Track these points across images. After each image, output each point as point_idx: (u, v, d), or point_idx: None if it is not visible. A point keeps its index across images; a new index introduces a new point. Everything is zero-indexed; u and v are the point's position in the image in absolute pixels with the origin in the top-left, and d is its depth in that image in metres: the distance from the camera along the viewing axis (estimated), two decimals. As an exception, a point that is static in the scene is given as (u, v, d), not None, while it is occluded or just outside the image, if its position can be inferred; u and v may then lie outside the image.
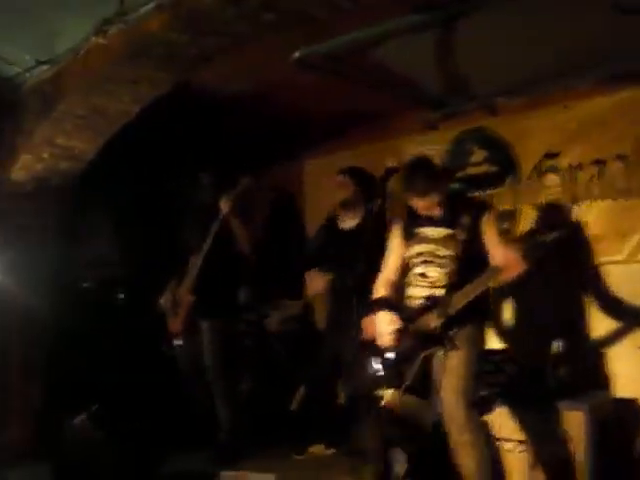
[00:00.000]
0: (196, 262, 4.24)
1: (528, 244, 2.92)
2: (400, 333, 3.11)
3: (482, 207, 3.21)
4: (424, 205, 3.13)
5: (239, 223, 4.21)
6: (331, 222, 4.32)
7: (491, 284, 2.92)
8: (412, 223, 3.26)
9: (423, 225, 3.20)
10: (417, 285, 3.17)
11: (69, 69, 3.67)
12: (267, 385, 4.86)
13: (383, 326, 3.16)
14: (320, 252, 4.39)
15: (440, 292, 3.06)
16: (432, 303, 3.06)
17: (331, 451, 4.21)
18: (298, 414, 4.44)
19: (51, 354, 4.51)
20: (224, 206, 4.14)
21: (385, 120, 4.90)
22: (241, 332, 4.82)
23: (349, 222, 4.16)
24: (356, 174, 4.16)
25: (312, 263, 4.45)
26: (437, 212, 3.18)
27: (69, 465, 3.50)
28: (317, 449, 4.25)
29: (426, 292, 3.11)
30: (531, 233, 3.76)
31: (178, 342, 4.31)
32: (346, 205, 4.14)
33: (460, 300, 2.96)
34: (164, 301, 4.41)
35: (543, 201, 4.23)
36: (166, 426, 4.07)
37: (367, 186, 4.12)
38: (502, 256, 2.92)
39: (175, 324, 4.31)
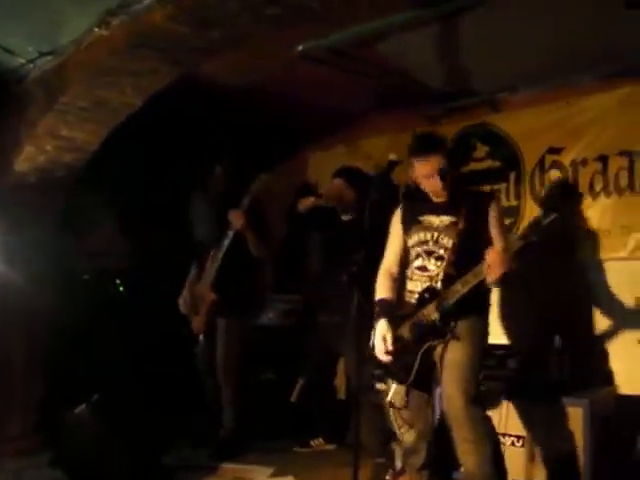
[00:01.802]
0: (216, 258, 4.16)
1: (526, 230, 2.89)
2: (395, 352, 3.09)
3: (487, 197, 3.20)
4: (426, 171, 3.07)
5: (253, 235, 4.14)
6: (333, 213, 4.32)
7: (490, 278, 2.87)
8: (416, 210, 3.24)
9: (427, 213, 3.17)
10: (417, 279, 3.15)
11: (72, 60, 3.66)
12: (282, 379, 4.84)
13: (380, 343, 3.11)
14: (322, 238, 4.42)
15: (439, 284, 3.05)
16: (431, 295, 3.04)
17: (332, 446, 4.23)
18: (298, 406, 4.45)
19: (52, 346, 4.52)
20: (236, 221, 4.06)
21: (389, 114, 4.91)
22: (257, 328, 4.78)
23: (347, 216, 4.20)
24: (350, 175, 4.18)
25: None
26: (441, 199, 3.16)
27: (70, 455, 3.50)
28: (318, 443, 4.26)
29: (425, 285, 3.09)
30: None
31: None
32: (343, 205, 4.16)
33: (459, 289, 2.94)
34: (183, 301, 4.34)
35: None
36: (169, 418, 4.08)
37: (362, 185, 4.07)
38: (489, 255, 2.86)
39: (198, 322, 4.25)
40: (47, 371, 4.47)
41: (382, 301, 3.22)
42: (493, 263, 2.81)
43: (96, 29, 3.35)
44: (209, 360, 4.23)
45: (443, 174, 3.05)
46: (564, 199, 4.11)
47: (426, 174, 3.09)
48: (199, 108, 4.71)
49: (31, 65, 3.90)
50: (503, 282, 2.89)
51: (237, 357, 4.23)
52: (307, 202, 4.24)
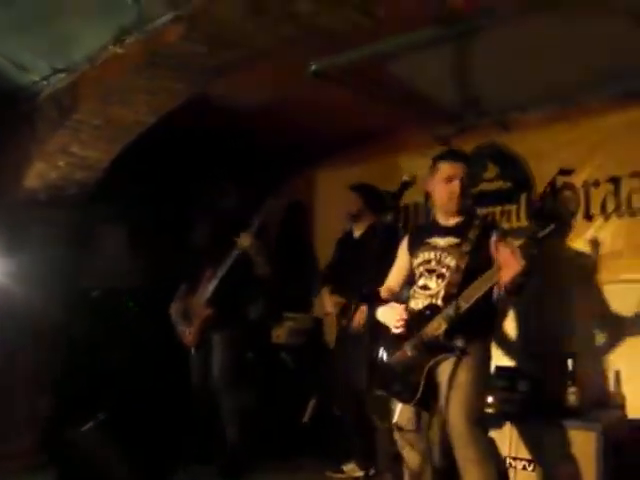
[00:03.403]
0: (215, 275, 4.21)
1: (523, 240, 2.86)
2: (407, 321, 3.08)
3: (490, 226, 3.20)
4: (450, 173, 3.12)
5: (260, 256, 4.18)
6: (346, 235, 4.49)
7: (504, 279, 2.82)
8: (424, 233, 3.27)
9: (435, 235, 3.19)
10: (418, 297, 3.14)
11: (85, 78, 3.67)
12: (276, 397, 4.84)
13: (389, 316, 3.14)
14: (337, 265, 4.48)
15: (439, 302, 3.03)
16: (431, 312, 3.02)
17: (363, 472, 4.13)
18: (309, 427, 4.41)
19: (59, 363, 4.50)
20: (244, 241, 4.11)
21: (398, 134, 4.92)
22: (251, 344, 4.78)
23: (358, 232, 4.37)
24: (364, 190, 4.36)
25: (330, 277, 4.51)
26: (450, 222, 3.18)
27: (76, 473, 3.47)
28: (352, 468, 4.20)
29: (426, 303, 3.08)
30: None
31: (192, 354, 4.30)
32: (354, 218, 4.34)
33: (466, 300, 2.90)
34: (174, 310, 4.38)
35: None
36: (175, 437, 4.05)
37: (375, 201, 4.24)
38: (501, 253, 2.81)
39: (190, 336, 4.28)
40: (54, 388, 4.45)
41: (382, 298, 3.30)
42: (506, 261, 2.75)
43: (110, 47, 3.37)
44: (203, 374, 4.24)
45: (464, 184, 3.11)
46: (562, 212, 4.12)
47: (448, 176, 3.13)
48: (209, 125, 4.73)
49: (44, 82, 3.92)
50: (517, 289, 2.81)
51: (234, 372, 4.22)
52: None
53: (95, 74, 3.59)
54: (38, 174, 4.12)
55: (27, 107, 4.09)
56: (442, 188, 3.17)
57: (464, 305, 2.90)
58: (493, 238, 3.02)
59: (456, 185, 3.12)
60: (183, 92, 3.59)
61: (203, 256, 4.35)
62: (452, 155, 3.23)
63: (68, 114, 3.79)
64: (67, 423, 3.85)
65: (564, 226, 4.03)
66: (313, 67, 3.71)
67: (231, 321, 4.24)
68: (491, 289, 2.93)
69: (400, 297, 3.32)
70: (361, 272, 3.60)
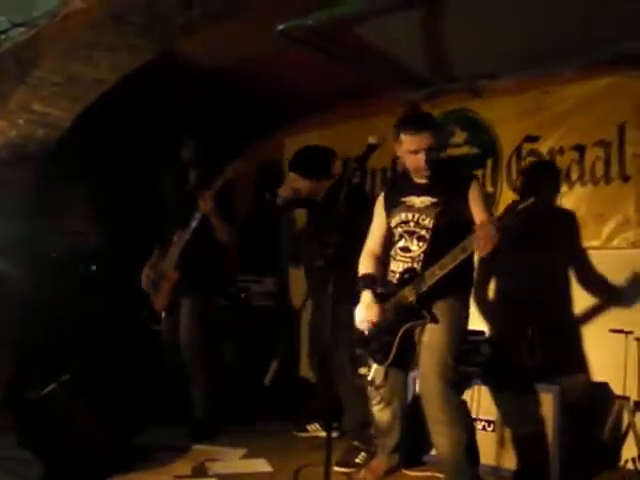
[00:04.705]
0: (181, 239, 4.17)
1: (502, 214, 2.90)
2: (377, 324, 3.12)
3: (467, 178, 3.19)
4: (414, 146, 3.07)
5: (219, 220, 4.11)
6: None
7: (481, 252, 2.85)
8: (399, 192, 3.26)
9: (409, 194, 3.19)
10: (399, 260, 3.17)
11: (46, 33, 3.55)
12: (245, 359, 4.86)
13: (364, 311, 3.16)
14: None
15: (419, 265, 3.06)
16: (410, 276, 3.05)
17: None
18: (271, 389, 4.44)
19: (21, 324, 4.44)
20: (203, 205, 4.03)
21: (367, 98, 4.87)
22: (220, 307, 4.77)
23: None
24: (300, 166, 4.08)
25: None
26: (423, 180, 3.17)
27: (39, 436, 3.44)
28: (315, 428, 4.24)
29: (406, 266, 3.10)
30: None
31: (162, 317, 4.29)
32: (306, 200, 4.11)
33: (436, 273, 2.94)
34: (145, 275, 4.34)
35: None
36: (141, 399, 4.04)
37: (321, 170, 4.01)
38: (479, 228, 2.84)
39: (160, 300, 4.27)
40: (15, 350, 4.40)
41: (365, 275, 3.26)
42: (485, 235, 2.77)
43: (72, 1, 3.26)
44: (173, 338, 4.22)
45: (430, 152, 3.07)
46: (542, 183, 4.13)
47: (414, 149, 3.09)
48: (175, 86, 4.64)
49: (3, 36, 3.78)
50: (493, 257, 2.86)
51: (202, 336, 4.22)
52: (285, 193, 4.21)
53: (56, 29, 3.47)
54: (-1, 132, 4.02)
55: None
56: (408, 159, 3.15)
57: (438, 274, 2.93)
58: (471, 188, 3.06)
59: (421, 157, 3.08)
60: (148, 50, 3.50)
61: (169, 223, 4.30)
62: (415, 126, 3.10)
63: (28, 70, 3.67)
64: (30, 385, 3.81)
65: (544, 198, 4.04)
66: (280, 27, 3.64)
67: (199, 286, 4.21)
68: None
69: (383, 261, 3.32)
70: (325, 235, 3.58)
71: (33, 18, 3.56)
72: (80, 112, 4.02)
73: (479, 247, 2.81)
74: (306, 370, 4.95)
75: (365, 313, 3.15)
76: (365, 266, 3.30)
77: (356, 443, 3.73)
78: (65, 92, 3.84)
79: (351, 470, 3.53)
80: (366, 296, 3.19)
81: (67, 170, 4.49)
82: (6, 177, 4.15)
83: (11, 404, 4.06)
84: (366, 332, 3.15)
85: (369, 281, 3.23)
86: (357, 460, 3.63)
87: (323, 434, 3.94)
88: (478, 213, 3.06)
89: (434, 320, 3.00)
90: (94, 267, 5.07)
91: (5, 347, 4.34)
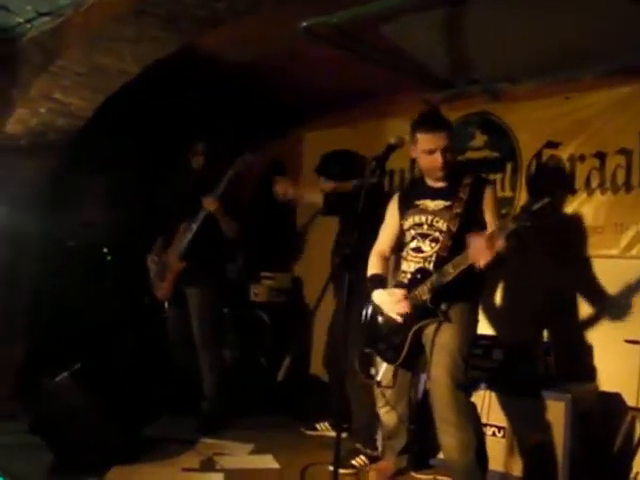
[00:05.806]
0: (189, 229, 4.19)
1: (514, 215, 2.85)
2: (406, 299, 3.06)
3: (483, 182, 3.17)
4: (429, 146, 3.05)
5: (225, 217, 4.15)
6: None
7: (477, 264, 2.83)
8: (413, 195, 3.24)
9: (424, 197, 3.17)
10: (411, 260, 3.15)
11: (70, 23, 3.58)
12: (253, 354, 4.87)
13: (387, 302, 3.10)
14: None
15: (431, 266, 3.03)
16: (422, 276, 3.03)
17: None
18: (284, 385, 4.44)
19: (35, 313, 4.47)
20: (209, 205, 4.08)
21: (388, 97, 4.87)
22: (228, 301, 4.79)
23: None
24: (330, 172, 4.04)
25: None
26: (439, 184, 3.15)
27: (50, 423, 3.47)
28: (325, 427, 4.23)
29: (418, 266, 3.09)
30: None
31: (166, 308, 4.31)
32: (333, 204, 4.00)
33: (451, 272, 2.91)
34: (149, 264, 4.36)
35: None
36: (151, 390, 4.07)
37: (349, 173, 3.96)
38: (472, 241, 2.80)
39: (163, 290, 4.29)
40: (29, 338, 4.43)
41: (374, 276, 3.24)
42: (478, 249, 2.75)
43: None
44: (179, 326, 4.25)
45: (446, 153, 3.04)
46: (557, 187, 4.10)
47: (429, 149, 3.07)
48: (196, 80, 4.64)
49: (28, 25, 3.81)
50: (496, 266, 2.82)
51: (212, 326, 4.24)
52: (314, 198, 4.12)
53: (80, 19, 3.50)
54: (19, 119, 4.03)
55: (8, 49, 3.97)
56: (424, 159, 3.13)
57: (452, 272, 2.91)
58: (486, 193, 3.04)
59: (438, 157, 3.06)
60: (170, 43, 3.50)
61: (179, 210, 4.30)
62: (432, 125, 3.08)
63: (51, 59, 3.70)
64: (43, 373, 3.84)
65: (558, 200, 4.01)
66: (304, 24, 3.63)
67: (205, 277, 4.23)
68: None
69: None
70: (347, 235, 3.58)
71: (58, 7, 3.59)
72: (102, 102, 4.03)
73: (474, 260, 2.80)
74: (317, 367, 4.95)
75: (390, 299, 3.08)
76: (374, 267, 3.28)
77: (358, 445, 3.72)
78: (87, 82, 3.86)
79: (356, 470, 3.52)
80: (381, 292, 3.14)
81: (86, 160, 4.51)
82: (26, 165, 4.18)
83: (23, 392, 4.10)
84: (399, 319, 3.08)
85: (377, 282, 3.21)
86: (353, 462, 3.61)
87: (332, 434, 3.94)
88: (489, 219, 3.04)
89: (447, 319, 2.98)
90: (109, 256, 5.09)
91: (16, 335, 4.37)
